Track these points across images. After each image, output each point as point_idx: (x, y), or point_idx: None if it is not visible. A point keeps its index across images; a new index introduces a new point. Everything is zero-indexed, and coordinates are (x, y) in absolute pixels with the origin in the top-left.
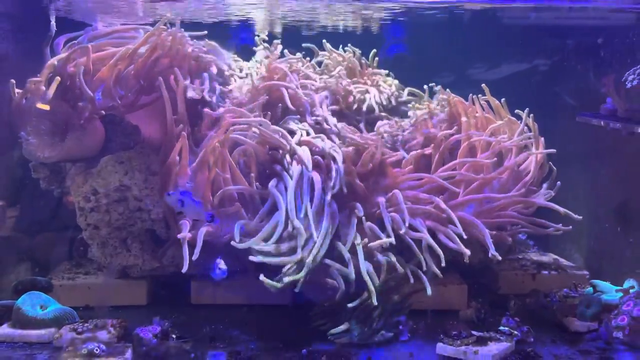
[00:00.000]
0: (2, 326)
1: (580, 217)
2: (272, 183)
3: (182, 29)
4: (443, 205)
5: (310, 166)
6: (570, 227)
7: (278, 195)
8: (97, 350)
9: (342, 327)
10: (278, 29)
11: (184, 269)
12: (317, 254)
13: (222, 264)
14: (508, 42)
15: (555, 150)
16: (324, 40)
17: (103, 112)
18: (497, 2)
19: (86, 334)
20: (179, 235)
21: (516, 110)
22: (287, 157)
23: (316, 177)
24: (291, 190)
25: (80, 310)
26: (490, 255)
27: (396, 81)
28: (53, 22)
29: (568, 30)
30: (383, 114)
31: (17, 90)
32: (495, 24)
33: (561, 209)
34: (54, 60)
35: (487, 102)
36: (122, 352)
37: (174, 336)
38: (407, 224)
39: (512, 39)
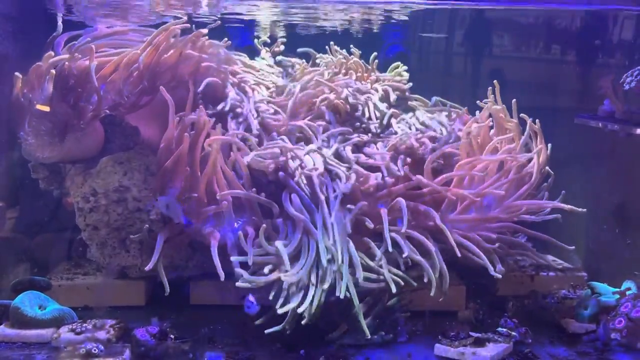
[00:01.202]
0: (1, 326)
1: (585, 209)
2: (285, 198)
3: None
4: (439, 222)
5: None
6: (573, 247)
7: (313, 229)
8: (95, 350)
9: (339, 332)
10: (279, 31)
11: (166, 292)
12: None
13: (251, 299)
14: (507, 43)
15: (541, 146)
16: (331, 42)
17: (107, 111)
18: (497, 4)
19: (85, 334)
20: (146, 268)
21: (521, 115)
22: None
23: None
24: (321, 223)
25: (79, 310)
26: (491, 274)
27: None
28: (60, 23)
29: (567, 31)
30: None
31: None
32: (494, 25)
33: (566, 207)
34: (52, 55)
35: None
36: (121, 353)
37: (172, 336)
38: (406, 254)
39: (512, 39)
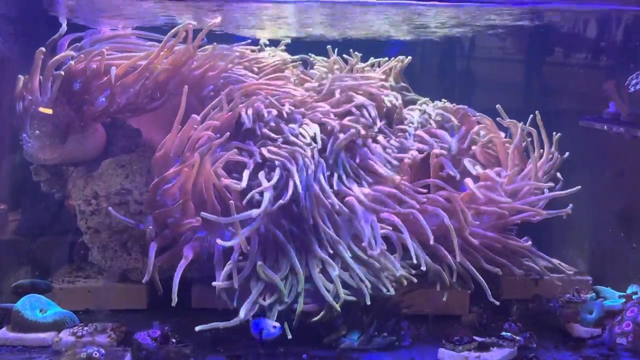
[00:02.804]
0: (2, 330)
1: (579, 187)
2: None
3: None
4: (447, 222)
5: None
6: (572, 272)
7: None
8: (96, 354)
9: (334, 335)
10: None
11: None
12: None
13: (270, 326)
14: (509, 45)
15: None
16: (328, 47)
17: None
18: (501, 5)
19: (86, 338)
20: (143, 281)
21: (509, 119)
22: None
23: None
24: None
25: (80, 313)
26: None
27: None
28: (64, 25)
29: (569, 33)
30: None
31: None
32: (498, 27)
33: (563, 193)
34: (59, 59)
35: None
36: (122, 356)
37: (173, 340)
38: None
39: (514, 42)
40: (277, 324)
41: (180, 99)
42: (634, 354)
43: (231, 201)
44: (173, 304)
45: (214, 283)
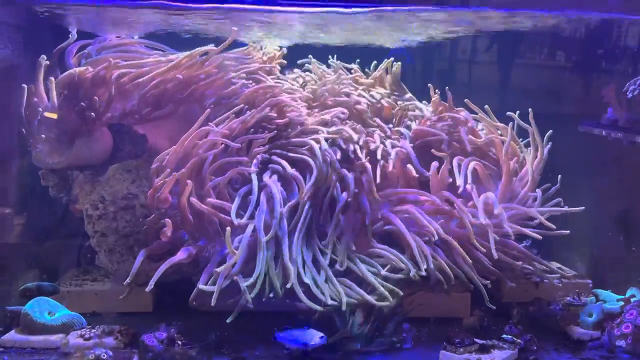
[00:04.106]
0: (11, 332)
1: (582, 207)
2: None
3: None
4: (444, 236)
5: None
6: (571, 275)
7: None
8: (104, 356)
9: (337, 337)
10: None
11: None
12: None
13: (316, 337)
14: (510, 49)
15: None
16: (310, 56)
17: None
18: (504, 10)
19: (93, 340)
20: (124, 283)
21: (506, 119)
22: None
23: None
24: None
25: (88, 316)
26: (487, 305)
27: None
28: (74, 33)
29: (569, 39)
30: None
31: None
32: (499, 30)
33: (566, 210)
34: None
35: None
36: (129, 358)
37: (180, 342)
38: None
39: (513, 46)
40: (322, 334)
41: (186, 107)
42: (633, 356)
43: (228, 227)
44: (148, 289)
45: (200, 285)
